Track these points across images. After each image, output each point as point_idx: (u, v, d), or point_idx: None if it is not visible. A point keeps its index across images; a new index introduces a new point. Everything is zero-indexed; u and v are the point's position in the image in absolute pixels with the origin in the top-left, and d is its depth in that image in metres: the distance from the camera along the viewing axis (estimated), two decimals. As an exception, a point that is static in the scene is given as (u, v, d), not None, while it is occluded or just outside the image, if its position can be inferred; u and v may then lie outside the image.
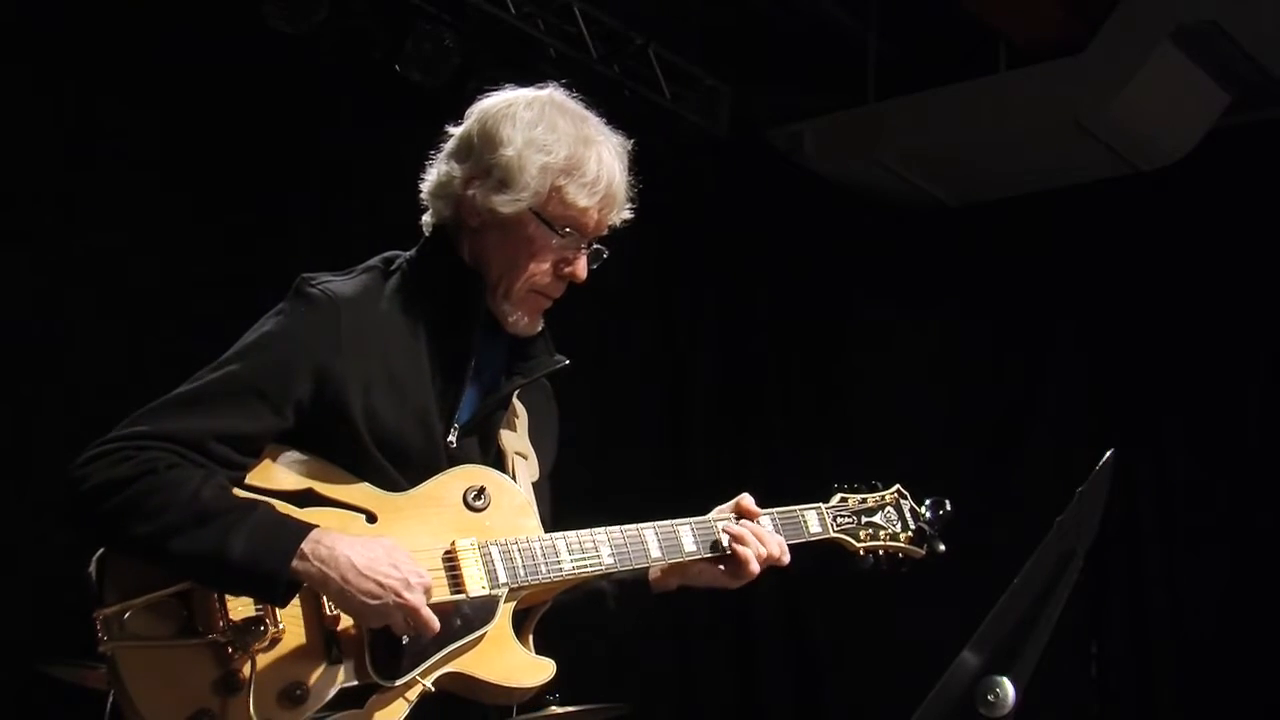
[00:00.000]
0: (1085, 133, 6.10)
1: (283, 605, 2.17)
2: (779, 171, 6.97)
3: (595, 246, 2.48)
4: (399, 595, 2.15)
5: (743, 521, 2.56)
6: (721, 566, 2.54)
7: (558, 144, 2.40)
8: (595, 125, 2.48)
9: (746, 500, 2.59)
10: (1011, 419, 6.83)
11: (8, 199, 4.63)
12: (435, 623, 2.19)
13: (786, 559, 2.57)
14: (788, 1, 6.40)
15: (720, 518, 2.56)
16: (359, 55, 5.48)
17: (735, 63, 6.60)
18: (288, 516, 2.19)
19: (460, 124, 2.51)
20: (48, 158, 4.77)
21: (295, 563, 2.12)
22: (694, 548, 2.51)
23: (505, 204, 2.38)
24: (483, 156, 2.41)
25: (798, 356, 7.24)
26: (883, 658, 6.31)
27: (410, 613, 2.16)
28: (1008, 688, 1.70)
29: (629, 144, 2.50)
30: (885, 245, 7.07)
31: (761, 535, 2.54)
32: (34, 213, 4.71)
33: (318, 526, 2.18)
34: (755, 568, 2.51)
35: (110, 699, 3.92)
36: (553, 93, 2.50)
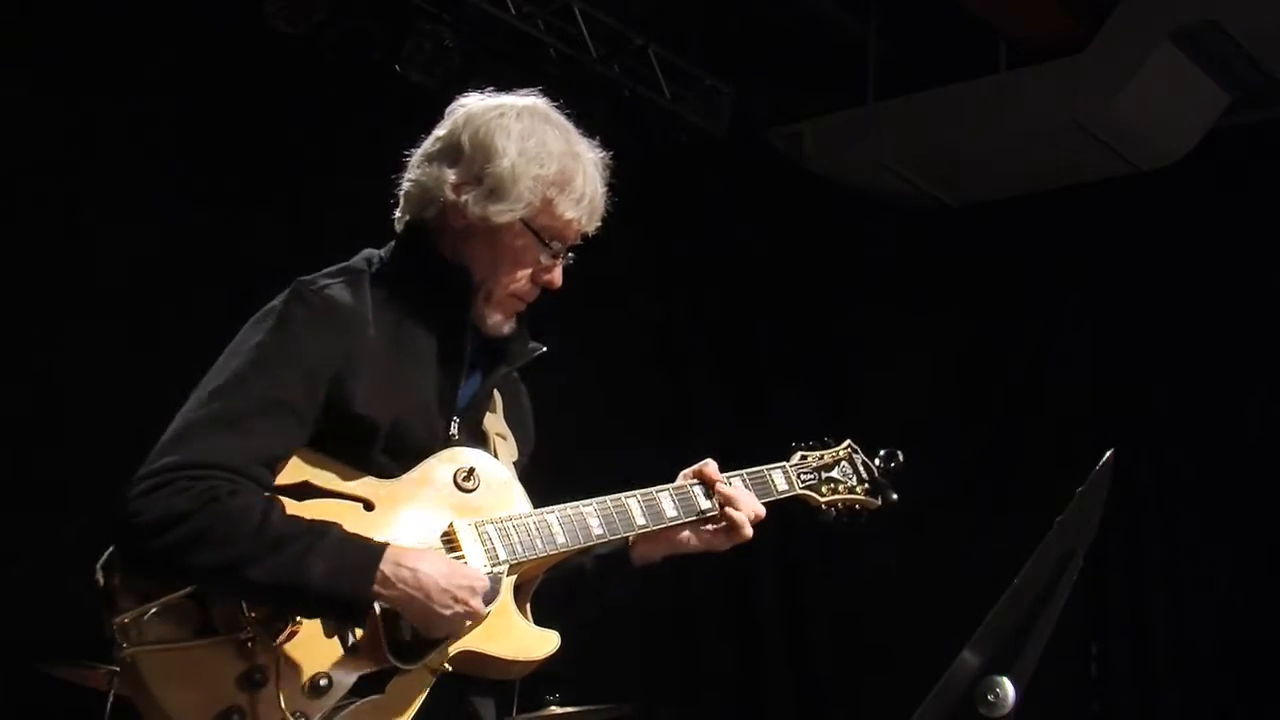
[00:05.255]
0: (1085, 133, 6.10)
1: (361, 625, 2.22)
2: (779, 171, 6.97)
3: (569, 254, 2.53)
4: (468, 604, 2.24)
5: (721, 487, 2.60)
6: (709, 530, 2.60)
7: (549, 158, 2.45)
8: (578, 138, 2.53)
9: (710, 467, 2.63)
10: (1012, 419, 6.83)
11: (7, 198, 4.63)
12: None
13: (764, 513, 2.63)
14: (788, 1, 6.40)
15: (687, 483, 2.61)
16: (359, 55, 5.48)
17: (735, 63, 6.60)
18: (358, 536, 2.23)
19: (440, 125, 2.53)
20: (48, 158, 4.78)
21: (376, 586, 2.18)
22: (675, 513, 2.57)
23: (498, 213, 2.42)
24: (475, 164, 2.44)
25: (797, 356, 7.24)
26: (882, 657, 6.31)
27: (475, 617, 2.27)
28: (1008, 688, 1.69)
29: (607, 156, 2.56)
30: (885, 245, 7.07)
31: (746, 497, 2.61)
32: (34, 212, 4.72)
33: (388, 545, 2.23)
34: (749, 531, 2.58)
35: (110, 699, 3.93)
36: (537, 102, 2.54)
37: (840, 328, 7.19)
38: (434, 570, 2.22)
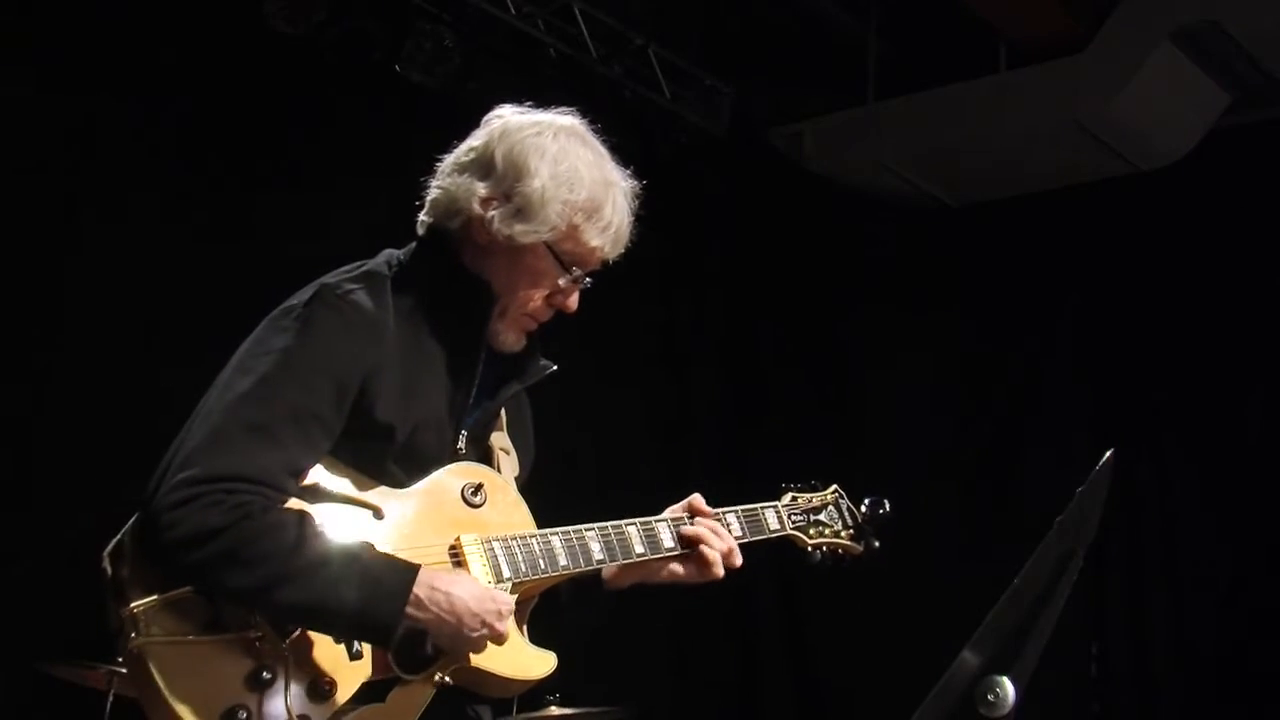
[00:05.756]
0: (1085, 133, 6.10)
1: (390, 649, 2.23)
2: (779, 171, 6.97)
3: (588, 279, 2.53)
4: (494, 627, 2.26)
5: (702, 520, 2.62)
6: (679, 566, 2.61)
7: (580, 183, 2.43)
8: (612, 165, 2.52)
9: (698, 500, 2.66)
10: (1012, 419, 6.83)
11: (7, 198, 4.63)
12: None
13: (739, 561, 2.64)
14: (788, 1, 6.40)
15: (675, 517, 2.63)
16: (359, 55, 5.48)
17: (735, 63, 6.60)
18: (390, 559, 2.24)
19: (474, 134, 2.52)
20: (48, 158, 4.78)
21: (409, 609, 2.19)
22: (672, 544, 2.59)
23: (523, 234, 2.41)
24: (505, 181, 2.43)
25: (798, 356, 7.24)
26: (882, 658, 6.30)
27: (499, 640, 2.29)
28: (1008, 688, 1.69)
29: (638, 187, 2.55)
30: (885, 245, 7.07)
31: (720, 533, 2.62)
32: (34, 212, 4.72)
33: (420, 568, 2.23)
34: (720, 571, 2.60)
35: (110, 699, 3.94)
36: (575, 124, 2.52)
37: (840, 328, 7.19)
38: (466, 594, 2.24)
